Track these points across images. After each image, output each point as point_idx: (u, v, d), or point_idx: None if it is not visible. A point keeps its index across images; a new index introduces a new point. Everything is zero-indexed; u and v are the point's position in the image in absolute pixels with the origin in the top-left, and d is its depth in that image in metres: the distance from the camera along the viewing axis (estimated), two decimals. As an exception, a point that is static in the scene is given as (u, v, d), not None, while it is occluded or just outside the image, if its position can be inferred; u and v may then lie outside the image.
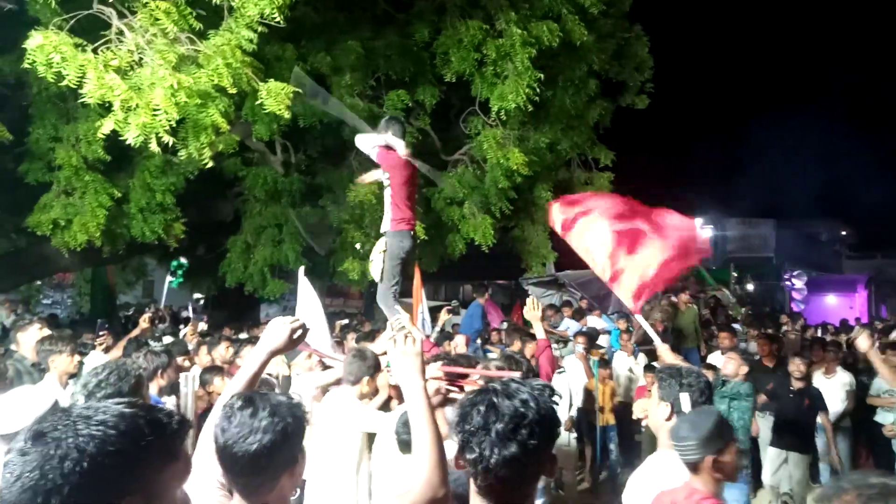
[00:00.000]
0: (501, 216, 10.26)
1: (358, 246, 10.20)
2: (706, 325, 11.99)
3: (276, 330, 2.21)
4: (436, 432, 1.90)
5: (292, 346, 2.23)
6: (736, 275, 19.92)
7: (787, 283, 22.62)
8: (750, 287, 21.82)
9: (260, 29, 5.81)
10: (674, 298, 11.52)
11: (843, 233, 37.69)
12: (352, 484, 3.90)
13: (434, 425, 1.91)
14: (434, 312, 9.34)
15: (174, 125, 5.56)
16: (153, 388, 4.17)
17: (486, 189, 9.96)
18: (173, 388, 4.65)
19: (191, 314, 12.00)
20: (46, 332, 5.10)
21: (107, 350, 6.53)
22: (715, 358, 7.85)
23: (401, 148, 4.81)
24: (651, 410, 2.88)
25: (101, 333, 6.68)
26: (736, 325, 11.54)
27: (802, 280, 22.15)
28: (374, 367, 4.16)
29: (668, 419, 2.72)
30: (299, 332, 2.24)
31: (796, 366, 6.61)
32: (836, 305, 23.75)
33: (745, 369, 5.93)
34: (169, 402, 4.53)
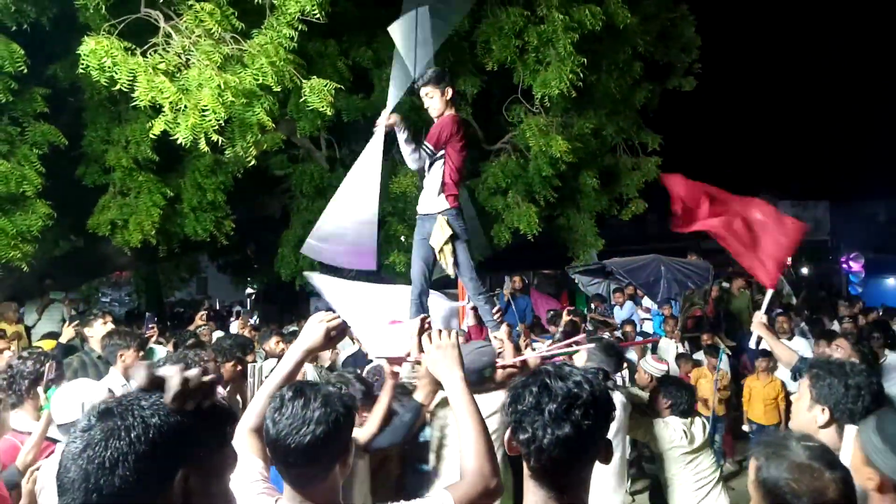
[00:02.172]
0: (546, 204, 10.17)
1: (403, 238, 10.25)
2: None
3: (311, 329, 2.19)
4: (480, 422, 1.89)
5: (329, 344, 2.21)
6: (790, 259, 19.33)
7: (844, 266, 21.86)
8: (805, 271, 21.18)
9: (301, 27, 5.86)
10: (725, 284, 11.27)
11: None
12: None
13: (478, 415, 1.90)
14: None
15: (222, 124, 5.67)
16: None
17: (529, 177, 9.88)
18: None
19: (240, 309, 12.25)
20: (111, 326, 5.29)
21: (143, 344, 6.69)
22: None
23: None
24: (799, 413, 2.35)
25: (150, 326, 6.90)
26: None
27: (860, 263, 21.37)
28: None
29: (825, 426, 2.20)
30: (336, 330, 2.21)
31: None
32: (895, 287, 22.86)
33: (855, 358, 5.51)
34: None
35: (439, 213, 4.04)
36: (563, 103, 9.30)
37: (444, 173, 4.05)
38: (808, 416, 2.25)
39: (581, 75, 8.56)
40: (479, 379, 3.11)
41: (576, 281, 13.33)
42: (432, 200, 4.09)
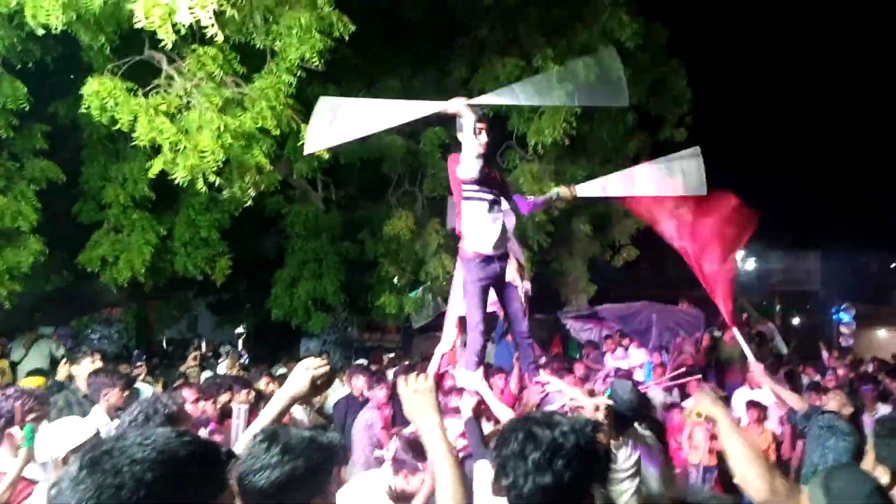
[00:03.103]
0: (539, 249, 10.24)
1: (396, 280, 10.27)
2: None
3: (298, 376, 2.17)
4: (456, 466, 1.88)
5: (316, 393, 2.20)
6: (780, 308, 19.42)
7: (835, 316, 21.93)
8: (795, 321, 21.24)
9: (300, 73, 5.98)
10: (717, 332, 11.28)
11: (893, 265, 36.48)
12: None
13: (453, 459, 1.89)
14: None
15: (220, 165, 5.74)
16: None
17: (523, 222, 9.96)
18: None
19: (229, 348, 12.16)
20: (99, 364, 5.25)
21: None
22: (748, 394, 7.83)
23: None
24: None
25: (137, 364, 6.85)
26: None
27: (850, 314, 21.45)
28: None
29: (889, 488, 2.10)
30: (322, 378, 2.19)
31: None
32: (887, 339, 22.91)
33: (849, 410, 5.34)
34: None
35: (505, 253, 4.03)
36: (557, 151, 9.46)
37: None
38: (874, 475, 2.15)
39: (574, 124, 8.72)
40: None
41: (567, 327, 13.32)
42: (503, 240, 4.03)
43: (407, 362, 10.06)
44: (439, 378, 4.07)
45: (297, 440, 1.85)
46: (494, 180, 4.08)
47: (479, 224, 3.96)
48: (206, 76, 5.92)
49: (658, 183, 4.35)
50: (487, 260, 3.94)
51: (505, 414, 3.51)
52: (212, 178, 5.60)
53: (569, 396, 3.60)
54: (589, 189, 4.41)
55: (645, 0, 10.25)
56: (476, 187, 3.97)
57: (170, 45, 4.93)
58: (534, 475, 1.55)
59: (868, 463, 2.23)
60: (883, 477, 2.13)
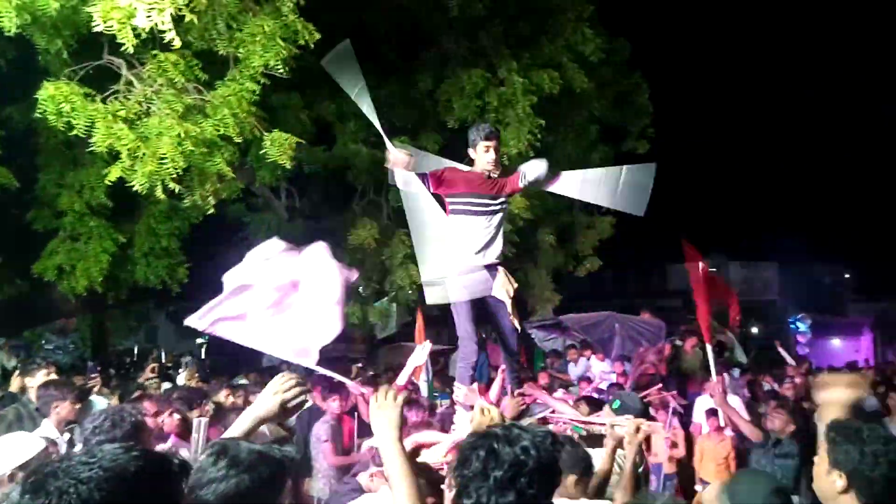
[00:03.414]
0: (504, 259, 10.28)
1: (360, 290, 10.21)
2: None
3: (266, 400, 2.12)
4: (413, 484, 1.85)
5: (285, 416, 2.17)
6: (739, 318, 19.79)
7: (792, 326, 22.47)
8: (754, 330, 21.69)
9: (263, 81, 5.93)
10: (679, 342, 11.45)
11: (846, 276, 37.58)
12: None
13: (411, 477, 1.87)
14: (436, 356, 9.25)
15: (180, 173, 5.64)
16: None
17: (488, 233, 10.02)
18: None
19: (189, 359, 11.93)
20: (54, 376, 5.09)
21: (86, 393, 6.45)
22: (709, 402, 7.93)
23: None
24: (819, 476, 2.27)
25: (92, 376, 6.66)
26: (734, 371, 11.42)
27: (807, 323, 22.00)
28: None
29: (844, 492, 2.14)
30: (292, 402, 2.14)
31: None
32: (841, 349, 23.57)
33: (791, 427, 5.42)
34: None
35: (499, 263, 3.95)
36: (522, 162, 9.53)
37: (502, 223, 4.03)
38: (828, 482, 2.21)
39: (539, 136, 8.81)
40: None
41: (532, 336, 13.38)
42: (496, 250, 3.97)
43: (371, 373, 10.00)
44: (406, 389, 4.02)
45: (245, 454, 1.81)
46: (494, 187, 4.00)
47: (468, 234, 3.90)
48: (166, 82, 5.81)
49: (599, 190, 4.23)
50: (474, 271, 3.86)
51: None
52: (171, 185, 5.50)
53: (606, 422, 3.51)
54: (535, 170, 4.17)
55: (608, 16, 10.45)
56: (463, 199, 3.93)
57: (130, 50, 4.84)
58: (497, 494, 1.53)
59: (821, 468, 2.24)
60: (838, 481, 2.15)
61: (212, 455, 1.79)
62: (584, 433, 3.79)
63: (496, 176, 4.00)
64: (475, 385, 3.70)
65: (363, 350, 16.55)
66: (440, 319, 14.37)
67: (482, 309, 3.98)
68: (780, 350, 13.51)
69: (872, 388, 7.98)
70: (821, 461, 2.25)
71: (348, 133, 9.21)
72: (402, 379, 4.08)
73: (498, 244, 4.01)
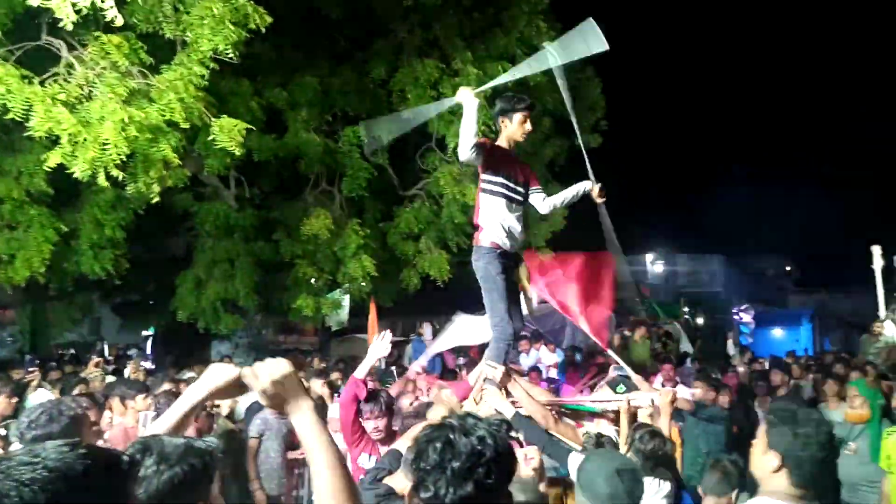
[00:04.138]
0: (458, 251, 10.30)
1: (313, 281, 10.08)
2: (659, 360, 12.14)
3: (224, 369, 1.96)
4: (338, 455, 1.63)
5: (240, 392, 2.10)
6: (687, 309, 20.34)
7: (736, 317, 23.15)
8: (700, 321, 22.29)
9: (213, 65, 5.77)
10: (627, 332, 11.68)
11: (788, 268, 38.97)
12: None
13: (334, 447, 1.64)
14: (391, 347, 9.14)
15: (124, 159, 5.45)
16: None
17: (442, 224, 10.00)
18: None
19: (135, 352, 11.63)
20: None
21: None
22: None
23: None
24: (755, 457, 2.36)
25: (30, 370, 6.41)
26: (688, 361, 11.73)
27: (750, 314, 22.68)
28: None
29: (776, 472, 2.23)
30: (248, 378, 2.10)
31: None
32: (782, 338, 24.37)
33: (711, 395, 6.16)
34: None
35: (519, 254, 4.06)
36: (475, 154, 9.55)
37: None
38: (763, 461, 2.30)
39: (493, 128, 8.81)
40: None
41: (485, 327, 13.45)
42: (522, 239, 4.09)
43: (323, 365, 9.91)
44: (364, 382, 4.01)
45: (172, 447, 1.76)
46: (523, 174, 4.11)
47: (499, 218, 3.97)
48: (109, 65, 5.61)
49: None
50: (504, 255, 3.96)
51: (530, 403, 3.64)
52: (114, 172, 5.32)
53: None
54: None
55: (562, 9, 10.51)
56: (501, 180, 3.98)
57: (69, 27, 4.64)
58: (455, 486, 1.51)
59: (758, 448, 2.34)
60: (773, 461, 2.24)
61: (136, 453, 1.71)
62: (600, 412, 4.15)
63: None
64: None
65: (315, 342, 16.40)
66: (393, 311, 14.34)
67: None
68: (729, 342, 13.94)
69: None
70: (758, 442, 2.34)
71: (300, 121, 9.06)
72: (361, 372, 4.08)
73: (522, 234, 4.13)
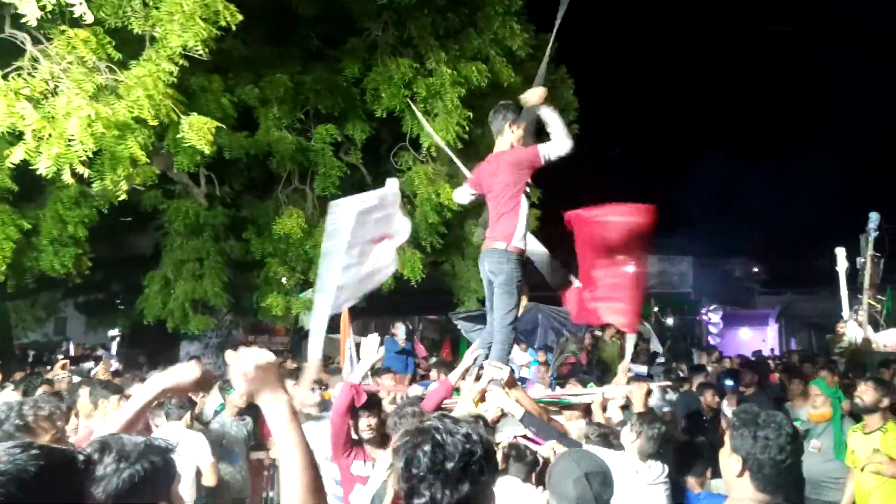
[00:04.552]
0: (431, 251, 10.28)
1: (284, 280, 9.99)
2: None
3: (187, 367, 2.00)
4: (308, 453, 1.61)
5: (198, 388, 2.06)
6: (657, 309, 20.60)
7: (704, 317, 23.49)
8: (670, 321, 22.59)
9: (182, 62, 5.68)
10: (598, 332, 11.78)
11: (755, 270, 39.66)
12: None
13: (305, 444, 1.62)
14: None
15: (90, 156, 5.34)
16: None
17: (415, 224, 9.97)
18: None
19: (103, 352, 11.41)
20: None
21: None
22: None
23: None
24: (723, 460, 2.32)
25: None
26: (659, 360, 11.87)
27: (718, 314, 23.06)
28: None
29: (740, 476, 2.19)
30: (210, 376, 2.05)
31: None
32: (749, 338, 24.79)
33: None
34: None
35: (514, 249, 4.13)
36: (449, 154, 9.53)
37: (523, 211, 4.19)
38: (727, 465, 2.27)
39: (467, 128, 8.83)
40: None
41: (458, 327, 13.49)
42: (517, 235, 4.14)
43: (295, 365, 9.81)
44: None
45: (131, 445, 1.74)
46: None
47: (526, 223, 4.12)
48: (76, 60, 5.49)
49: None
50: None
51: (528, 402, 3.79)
52: (80, 168, 5.20)
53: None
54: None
55: (535, 11, 10.56)
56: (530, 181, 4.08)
57: (33, 22, 4.53)
58: (452, 487, 1.48)
59: (725, 453, 2.31)
60: (736, 464, 2.21)
61: (95, 452, 1.68)
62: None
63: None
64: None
65: (286, 342, 16.26)
66: (366, 311, 14.27)
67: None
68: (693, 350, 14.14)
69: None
70: (725, 446, 2.32)
71: (272, 118, 8.97)
72: (356, 377, 4.03)
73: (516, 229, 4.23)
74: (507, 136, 4.30)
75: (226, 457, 5.65)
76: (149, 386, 1.97)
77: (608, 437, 3.73)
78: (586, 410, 4.57)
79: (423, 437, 1.55)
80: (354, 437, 3.94)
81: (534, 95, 4.19)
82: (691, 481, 3.98)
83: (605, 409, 4.29)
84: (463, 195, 4.62)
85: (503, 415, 3.74)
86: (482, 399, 3.86)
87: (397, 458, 1.56)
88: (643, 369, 5.78)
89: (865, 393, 4.98)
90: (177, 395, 4.12)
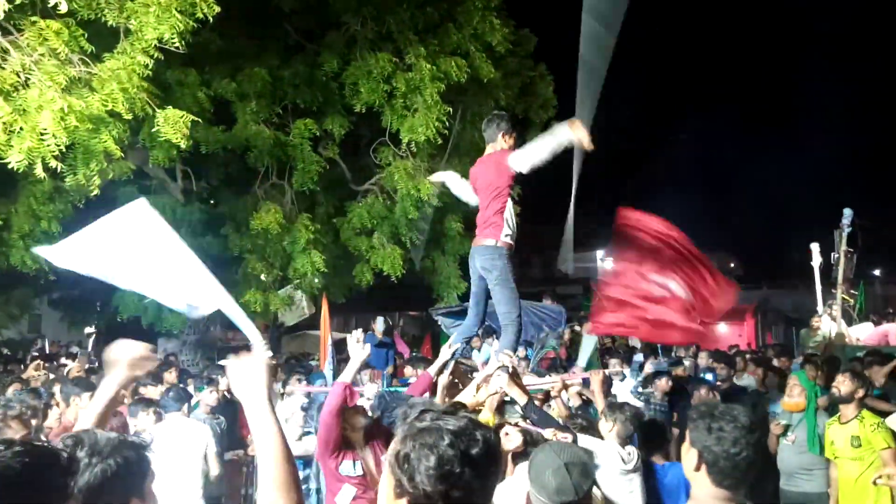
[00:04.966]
0: (412, 246, 10.26)
1: (263, 277, 9.90)
2: (608, 353, 12.37)
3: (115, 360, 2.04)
4: (286, 449, 1.67)
5: (133, 371, 2.06)
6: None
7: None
8: (649, 316, 22.76)
9: (157, 55, 5.60)
10: (577, 327, 11.84)
11: (731, 265, 40.25)
12: None
13: (283, 441, 1.68)
14: (342, 344, 9.02)
15: (63, 150, 5.25)
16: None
17: (395, 219, 9.95)
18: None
19: (77, 350, 11.25)
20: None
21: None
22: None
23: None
24: (683, 454, 2.30)
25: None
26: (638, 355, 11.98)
27: (696, 309, 23.26)
28: None
29: (697, 469, 2.17)
30: (142, 357, 2.09)
31: None
32: (726, 333, 25.10)
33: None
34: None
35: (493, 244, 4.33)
36: (430, 149, 9.52)
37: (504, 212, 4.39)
38: (686, 459, 2.25)
39: (447, 123, 8.82)
40: None
41: (439, 323, 13.47)
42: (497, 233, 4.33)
43: (273, 362, 9.75)
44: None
45: (104, 441, 1.73)
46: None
47: (512, 220, 4.35)
48: (48, 52, 5.39)
49: None
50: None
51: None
52: (52, 163, 5.11)
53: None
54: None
55: (515, 7, 10.57)
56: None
57: (0, 14, 4.43)
58: (464, 484, 1.45)
59: (685, 447, 2.29)
60: (693, 458, 2.19)
61: (67, 447, 1.66)
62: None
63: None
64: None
65: (265, 339, 16.14)
66: (347, 307, 14.22)
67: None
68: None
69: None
70: (685, 441, 2.29)
71: (249, 113, 8.88)
72: (348, 376, 4.01)
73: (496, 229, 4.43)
74: (500, 145, 4.43)
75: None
76: (106, 383, 1.98)
77: (592, 427, 3.86)
78: (546, 398, 4.85)
79: (419, 432, 1.50)
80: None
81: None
82: (657, 457, 4.15)
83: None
84: (469, 195, 4.75)
85: (503, 402, 3.90)
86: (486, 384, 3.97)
87: (398, 461, 1.50)
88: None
89: (843, 384, 5.16)
90: (137, 380, 4.03)
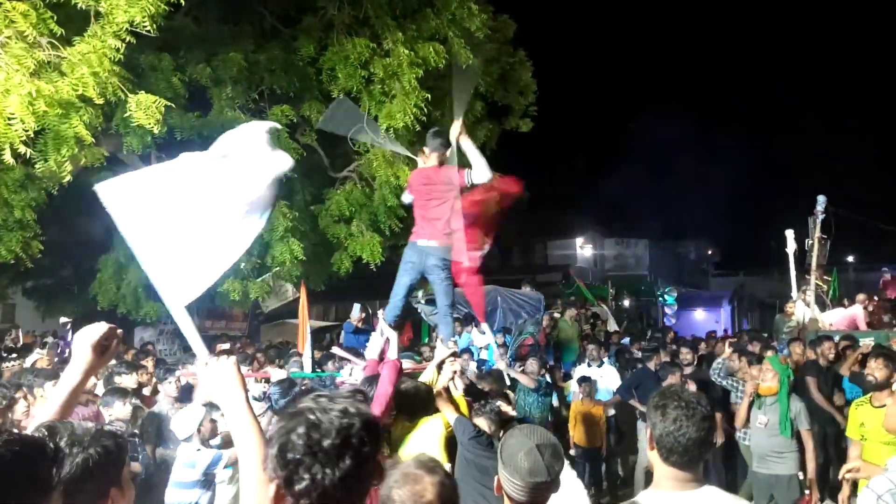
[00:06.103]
0: (390, 234, 10.23)
1: (242, 265, 9.82)
2: (587, 340, 12.47)
3: (80, 349, 1.98)
4: (263, 446, 1.72)
5: (101, 356, 2.02)
6: (614, 291, 20.92)
7: (660, 299, 23.96)
8: (626, 303, 22.97)
9: (129, 38, 5.50)
10: (556, 314, 11.93)
11: (709, 252, 40.68)
12: None
13: (261, 438, 1.75)
14: (321, 333, 9.04)
15: (32, 135, 5.15)
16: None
17: (374, 207, 9.90)
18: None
19: (51, 340, 11.09)
20: None
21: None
22: (583, 370, 8.88)
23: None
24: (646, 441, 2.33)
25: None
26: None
27: (673, 296, 23.53)
28: None
29: (651, 449, 2.22)
30: (108, 340, 2.01)
31: None
32: (703, 319, 25.42)
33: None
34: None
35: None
36: (409, 136, 9.46)
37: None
38: (646, 441, 2.29)
39: (425, 110, 8.77)
40: None
41: (419, 311, 13.49)
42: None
43: (250, 350, 9.71)
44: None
45: (82, 430, 1.71)
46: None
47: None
48: (15, 35, 5.27)
49: None
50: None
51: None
52: (21, 148, 5.01)
53: None
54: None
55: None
56: None
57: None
58: (332, 465, 1.45)
59: (646, 433, 2.32)
60: (648, 440, 2.25)
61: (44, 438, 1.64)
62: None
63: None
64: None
65: (243, 328, 16.05)
66: (326, 295, 14.15)
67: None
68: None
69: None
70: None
71: (225, 99, 8.76)
72: (392, 353, 4.38)
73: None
74: (439, 157, 4.82)
75: (162, 442, 5.57)
76: (67, 373, 1.94)
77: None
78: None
79: (296, 421, 1.51)
80: None
81: (454, 131, 4.74)
82: None
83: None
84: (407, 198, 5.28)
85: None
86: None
87: (270, 446, 1.52)
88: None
89: (877, 370, 5.05)
90: (104, 365, 3.97)
